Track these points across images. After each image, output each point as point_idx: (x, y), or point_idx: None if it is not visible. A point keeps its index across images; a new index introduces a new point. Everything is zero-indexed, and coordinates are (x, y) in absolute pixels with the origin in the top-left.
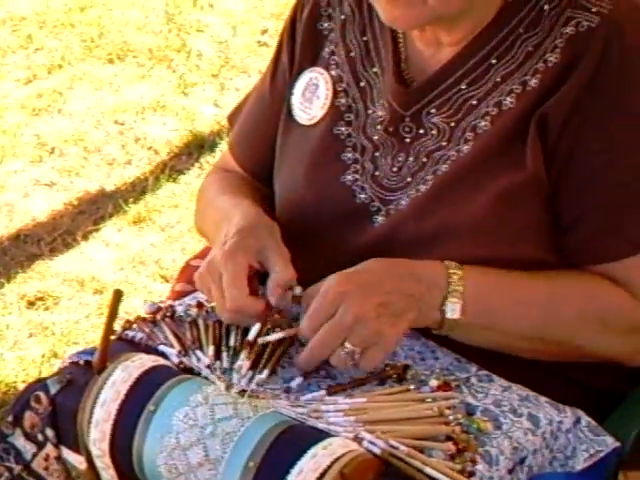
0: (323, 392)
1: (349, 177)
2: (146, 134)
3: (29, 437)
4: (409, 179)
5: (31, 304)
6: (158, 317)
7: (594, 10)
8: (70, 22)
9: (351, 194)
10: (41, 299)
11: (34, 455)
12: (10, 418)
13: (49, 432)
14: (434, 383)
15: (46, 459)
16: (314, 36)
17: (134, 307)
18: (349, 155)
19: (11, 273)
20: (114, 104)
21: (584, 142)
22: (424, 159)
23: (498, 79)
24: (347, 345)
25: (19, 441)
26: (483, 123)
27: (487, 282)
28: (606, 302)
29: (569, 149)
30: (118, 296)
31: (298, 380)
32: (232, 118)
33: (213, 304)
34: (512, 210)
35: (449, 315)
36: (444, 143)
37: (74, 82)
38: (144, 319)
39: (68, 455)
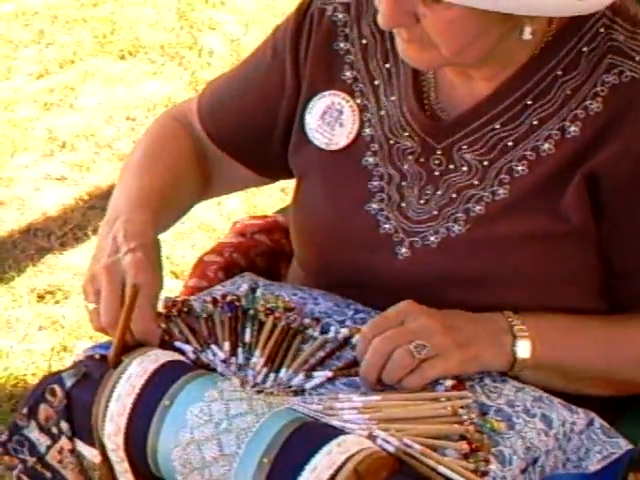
0: (329, 373)
1: (374, 205)
2: None
3: (43, 430)
4: (435, 212)
5: (41, 297)
6: (174, 312)
7: (638, 59)
8: (82, 17)
9: (375, 223)
10: (51, 293)
11: (48, 448)
12: (25, 410)
13: (64, 425)
14: (448, 382)
15: (60, 452)
16: (329, 56)
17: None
18: (375, 184)
19: (21, 266)
20: (125, 100)
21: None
22: (453, 194)
23: (535, 122)
24: (411, 345)
25: (33, 434)
26: (520, 167)
27: (545, 323)
28: None
29: (625, 203)
30: (136, 291)
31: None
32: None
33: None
34: (553, 259)
35: (520, 355)
36: (476, 182)
37: (86, 77)
38: (159, 314)
39: (82, 448)
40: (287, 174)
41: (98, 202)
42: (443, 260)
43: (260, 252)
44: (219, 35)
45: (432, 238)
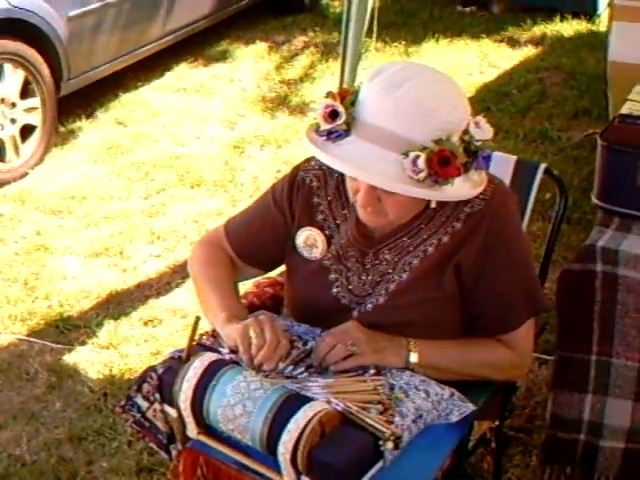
0: (303, 371)
1: (334, 290)
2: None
3: (145, 398)
4: (370, 291)
5: (145, 323)
6: (217, 333)
7: (481, 197)
8: (169, 164)
9: (338, 301)
10: (151, 320)
11: (147, 408)
12: (135, 387)
13: (157, 395)
14: (372, 371)
15: (155, 411)
16: (309, 206)
17: (203, 326)
18: (333, 276)
19: (135, 306)
20: (195, 213)
21: (482, 272)
22: (378, 279)
23: (425, 236)
24: (348, 343)
25: (139, 400)
26: (415, 261)
27: (430, 345)
28: (499, 354)
29: (475, 278)
30: (197, 320)
31: (300, 370)
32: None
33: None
34: (437, 312)
35: (412, 360)
36: (390, 270)
37: (172, 200)
38: (210, 333)
39: (167, 409)
40: (279, 265)
41: (181, 269)
42: (375, 318)
43: (268, 297)
44: (247, 174)
45: (369, 306)
